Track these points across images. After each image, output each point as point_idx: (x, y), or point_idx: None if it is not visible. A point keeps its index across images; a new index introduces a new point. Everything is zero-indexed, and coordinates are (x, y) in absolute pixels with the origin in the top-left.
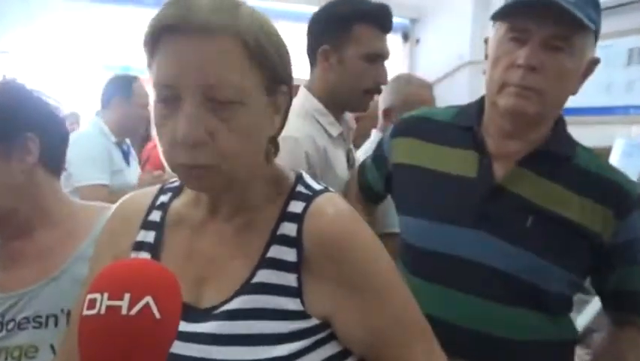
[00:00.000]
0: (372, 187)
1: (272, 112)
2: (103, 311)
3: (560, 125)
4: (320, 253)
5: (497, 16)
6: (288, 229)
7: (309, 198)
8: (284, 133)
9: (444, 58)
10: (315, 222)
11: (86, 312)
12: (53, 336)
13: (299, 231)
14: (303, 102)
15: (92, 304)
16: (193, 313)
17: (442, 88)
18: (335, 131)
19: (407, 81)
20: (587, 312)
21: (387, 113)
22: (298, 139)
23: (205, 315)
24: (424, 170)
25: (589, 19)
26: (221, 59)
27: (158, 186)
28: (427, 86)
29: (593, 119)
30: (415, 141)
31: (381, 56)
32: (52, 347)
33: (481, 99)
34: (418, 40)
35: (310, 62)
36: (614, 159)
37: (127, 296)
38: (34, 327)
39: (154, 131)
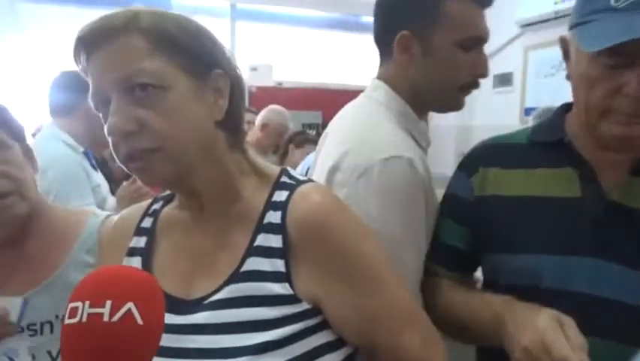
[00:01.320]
0: (457, 247)
1: (212, 97)
2: (85, 319)
3: None
4: (304, 237)
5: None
6: (273, 217)
7: (292, 187)
8: (385, 150)
9: None
10: (298, 207)
11: (67, 321)
12: (49, 343)
13: (283, 217)
14: (387, 102)
15: (73, 312)
16: (184, 306)
17: None
18: (425, 142)
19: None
20: None
21: None
22: (413, 161)
23: (195, 306)
24: (518, 198)
25: None
26: (128, 51)
27: (152, 198)
28: None
29: None
30: (498, 170)
31: (479, 39)
32: (49, 353)
33: (561, 111)
34: None
35: (381, 53)
36: None
37: (108, 303)
38: (30, 335)
39: None
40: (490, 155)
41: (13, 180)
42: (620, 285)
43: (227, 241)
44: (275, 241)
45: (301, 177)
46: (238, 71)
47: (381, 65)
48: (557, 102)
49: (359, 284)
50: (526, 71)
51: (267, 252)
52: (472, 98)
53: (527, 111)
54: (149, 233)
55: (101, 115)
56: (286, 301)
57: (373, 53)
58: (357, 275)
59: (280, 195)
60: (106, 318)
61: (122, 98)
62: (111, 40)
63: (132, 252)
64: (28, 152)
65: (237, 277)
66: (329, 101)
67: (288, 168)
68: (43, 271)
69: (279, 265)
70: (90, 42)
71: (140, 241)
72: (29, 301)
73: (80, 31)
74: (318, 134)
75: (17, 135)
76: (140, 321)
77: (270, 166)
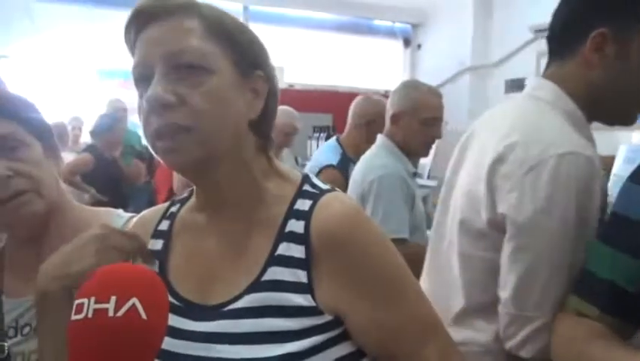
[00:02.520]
0: (623, 286)
1: (250, 95)
2: (90, 315)
3: None
4: (327, 250)
5: None
6: (296, 226)
7: (315, 196)
8: (560, 145)
9: (445, 63)
10: (322, 218)
11: (74, 317)
12: None
13: (306, 228)
14: (553, 101)
15: (79, 308)
16: (201, 312)
17: (443, 93)
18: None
19: (415, 87)
20: None
21: (395, 118)
22: (593, 159)
23: (212, 313)
24: None
25: None
26: (183, 29)
27: (170, 201)
28: (437, 93)
29: (596, 125)
30: None
31: None
32: None
33: None
34: (419, 46)
35: (555, 51)
36: (617, 165)
37: (113, 299)
38: None
39: None
40: None
41: (29, 178)
42: None
43: (246, 247)
44: (297, 251)
45: (323, 186)
46: (276, 80)
47: (551, 63)
48: None
49: (382, 296)
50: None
51: (289, 262)
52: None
53: None
54: (166, 236)
55: (138, 92)
56: (308, 313)
57: (384, 57)
58: (381, 287)
59: (303, 204)
60: (111, 313)
61: (167, 73)
62: (169, 16)
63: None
64: (51, 150)
65: (258, 286)
66: (340, 103)
67: (310, 175)
68: None
69: (300, 275)
70: (148, 15)
71: (157, 244)
72: None
73: (140, 4)
74: (329, 136)
75: (40, 134)
76: (144, 316)
77: (293, 172)
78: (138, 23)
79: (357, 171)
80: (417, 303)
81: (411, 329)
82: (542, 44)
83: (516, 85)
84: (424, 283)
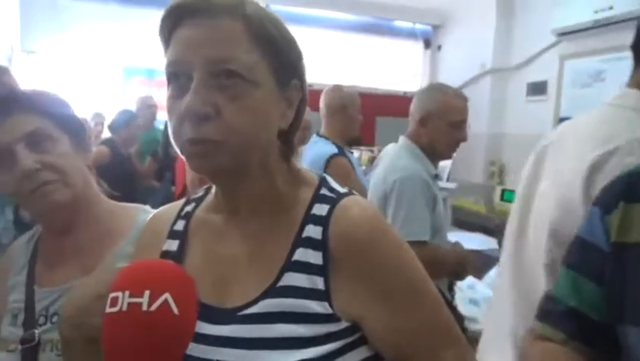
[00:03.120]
0: (585, 313)
1: (284, 105)
2: (125, 308)
3: None
4: (346, 255)
5: None
6: (314, 231)
7: (333, 201)
8: None
9: (465, 65)
10: (341, 224)
11: (109, 309)
12: None
13: (324, 233)
14: (638, 107)
15: (114, 301)
16: (216, 315)
17: None
18: None
19: (442, 90)
20: None
21: (423, 120)
22: None
23: (229, 316)
24: None
25: None
26: (228, 36)
27: (184, 199)
28: (463, 96)
29: None
30: None
31: None
32: None
33: None
34: (439, 47)
35: None
36: None
37: (147, 293)
38: None
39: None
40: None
41: (56, 169)
42: None
43: (262, 250)
44: (314, 257)
45: (340, 189)
46: (307, 86)
47: (636, 71)
48: None
49: (401, 302)
50: (561, 80)
51: (306, 268)
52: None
53: (562, 121)
54: (182, 236)
55: (169, 87)
56: (325, 319)
57: (404, 58)
58: (400, 293)
59: (321, 209)
60: (144, 307)
61: (206, 80)
62: (214, 15)
63: (164, 255)
64: (80, 144)
65: (274, 291)
66: (360, 104)
67: (327, 178)
68: (93, 260)
69: (317, 282)
70: (189, 10)
71: (173, 245)
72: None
73: (180, 2)
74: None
75: (68, 128)
76: (175, 311)
77: (310, 174)
78: (177, 17)
79: (379, 173)
80: (435, 309)
81: (428, 335)
82: (564, 47)
83: (538, 88)
84: (501, 293)
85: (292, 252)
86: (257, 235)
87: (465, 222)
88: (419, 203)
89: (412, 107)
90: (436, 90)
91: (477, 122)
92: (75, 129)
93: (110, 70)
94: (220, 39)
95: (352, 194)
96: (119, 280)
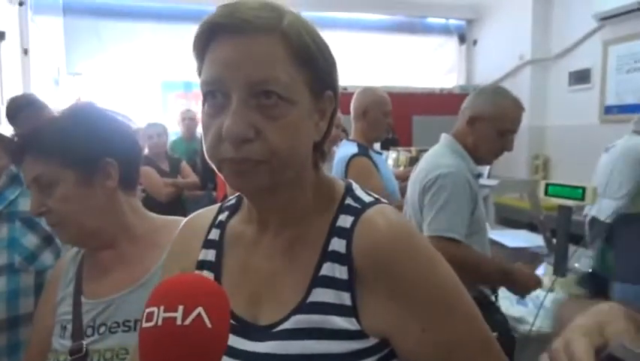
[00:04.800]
0: None
1: (318, 117)
2: (160, 323)
3: None
4: (372, 269)
5: None
6: (338, 245)
7: (358, 212)
8: None
9: (503, 58)
10: (365, 237)
11: (145, 324)
12: None
13: (348, 247)
14: None
15: (150, 316)
16: (253, 332)
17: None
18: None
19: (503, 95)
20: None
21: (472, 120)
22: None
23: (264, 333)
24: None
25: None
26: (266, 56)
27: (217, 206)
28: (521, 106)
29: None
30: None
31: None
32: None
33: None
34: (475, 42)
35: None
36: None
37: (181, 308)
38: (124, 331)
39: None
40: None
41: (56, 213)
42: None
43: (292, 265)
44: (340, 271)
45: (366, 198)
46: (338, 94)
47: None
48: None
49: (433, 317)
50: (605, 66)
51: (333, 283)
52: (546, 98)
53: (608, 109)
54: (218, 246)
55: (204, 104)
56: (353, 336)
57: (439, 55)
58: (430, 308)
59: (345, 221)
60: (179, 322)
61: (245, 101)
62: (253, 34)
63: (201, 265)
64: (89, 179)
65: (303, 307)
66: (396, 103)
67: (353, 185)
68: (139, 272)
69: (344, 298)
70: (225, 27)
71: (209, 254)
72: (125, 299)
73: (217, 14)
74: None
75: (76, 165)
76: (209, 324)
77: (336, 183)
78: (211, 33)
79: (420, 170)
80: (467, 321)
81: (462, 349)
82: (608, 32)
83: (581, 77)
84: None
85: (319, 266)
86: (286, 248)
87: (509, 219)
88: (459, 201)
89: (466, 103)
90: (495, 93)
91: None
92: (85, 163)
93: (150, 85)
94: (258, 59)
95: (378, 203)
96: (154, 296)
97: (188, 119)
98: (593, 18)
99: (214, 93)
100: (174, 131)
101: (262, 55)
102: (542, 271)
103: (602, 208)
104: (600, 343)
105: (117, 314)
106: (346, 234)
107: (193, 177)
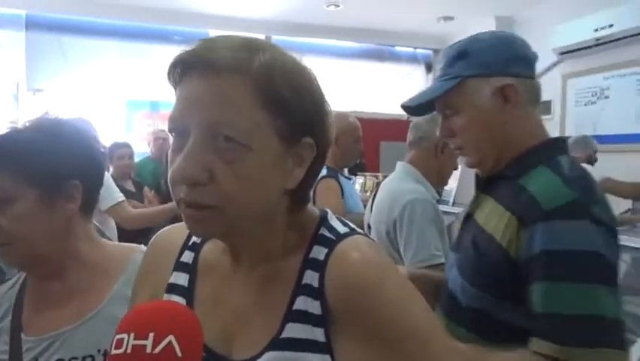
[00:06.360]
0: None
1: (292, 163)
2: (129, 350)
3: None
4: (345, 305)
5: None
6: (311, 278)
7: (331, 244)
8: None
9: None
10: (338, 270)
11: (114, 351)
12: None
13: (321, 281)
14: None
15: (119, 343)
16: None
17: None
18: None
19: (434, 119)
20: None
21: (443, 147)
22: None
23: None
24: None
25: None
26: (227, 97)
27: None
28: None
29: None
30: None
31: None
32: None
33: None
34: None
35: None
36: None
37: (151, 335)
38: None
39: None
40: None
41: (8, 233)
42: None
43: (266, 299)
44: (313, 306)
45: (341, 228)
46: (330, 134)
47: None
48: (598, 131)
49: (406, 354)
50: (565, 99)
51: (306, 318)
52: None
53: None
54: (191, 271)
55: (172, 140)
56: None
57: (406, 82)
58: (404, 345)
59: (318, 253)
60: (148, 350)
61: (202, 142)
62: (217, 71)
63: (172, 288)
64: (53, 196)
65: (277, 343)
66: (363, 129)
67: (328, 215)
68: (89, 303)
69: (318, 334)
70: (192, 64)
71: (181, 278)
72: (72, 334)
73: (185, 52)
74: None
75: (38, 182)
76: (179, 353)
77: (311, 213)
78: (182, 69)
79: (383, 199)
80: (441, 355)
81: None
82: (567, 66)
83: (543, 108)
84: None
85: (292, 300)
86: (260, 283)
87: None
88: (431, 226)
89: (420, 133)
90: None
91: None
92: (50, 183)
93: (114, 104)
94: (219, 100)
95: (353, 233)
96: (124, 322)
97: (161, 140)
98: (553, 52)
99: (176, 130)
100: (139, 151)
101: (223, 95)
102: None
103: None
104: None
105: (61, 351)
106: (319, 266)
107: (155, 202)
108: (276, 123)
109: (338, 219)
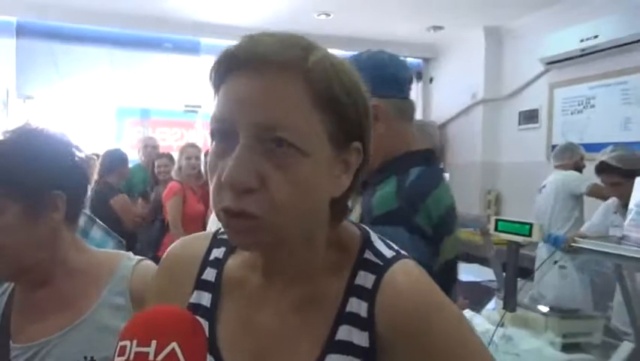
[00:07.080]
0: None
1: (339, 170)
2: (132, 358)
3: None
4: (397, 337)
5: None
6: (358, 307)
7: (379, 270)
8: None
9: (457, 96)
10: (390, 300)
11: (116, 359)
12: None
13: (370, 311)
14: None
15: (122, 351)
16: None
17: (456, 126)
18: None
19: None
20: (617, 357)
21: None
22: None
23: None
24: None
25: None
26: (282, 97)
27: (209, 237)
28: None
29: None
30: None
31: None
32: None
33: None
34: (431, 79)
35: None
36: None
37: (154, 343)
38: None
39: None
40: None
41: None
42: None
43: (304, 324)
44: (359, 338)
45: (387, 251)
46: (371, 146)
47: None
48: (585, 139)
49: None
50: (552, 108)
51: (350, 349)
52: (497, 135)
53: (555, 148)
54: (214, 291)
55: (212, 141)
56: None
57: None
58: None
59: (365, 279)
60: (151, 357)
61: (252, 145)
62: (271, 72)
63: (195, 308)
64: (36, 210)
65: None
66: None
67: (372, 236)
68: (77, 310)
69: None
70: (242, 61)
71: (204, 298)
72: (60, 341)
73: (238, 47)
74: None
75: (21, 196)
76: (182, 360)
77: (352, 233)
78: (228, 66)
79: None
80: None
81: None
82: (553, 76)
83: (530, 116)
84: None
85: (335, 329)
86: (296, 305)
87: (462, 253)
88: None
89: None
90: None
91: (471, 152)
92: (33, 195)
93: (104, 111)
94: (274, 100)
95: (400, 257)
96: (127, 328)
97: (151, 147)
98: (540, 62)
99: (221, 132)
100: (130, 159)
101: (278, 95)
102: (493, 305)
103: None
104: None
105: (50, 359)
106: (368, 295)
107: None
108: (330, 126)
109: (380, 239)
